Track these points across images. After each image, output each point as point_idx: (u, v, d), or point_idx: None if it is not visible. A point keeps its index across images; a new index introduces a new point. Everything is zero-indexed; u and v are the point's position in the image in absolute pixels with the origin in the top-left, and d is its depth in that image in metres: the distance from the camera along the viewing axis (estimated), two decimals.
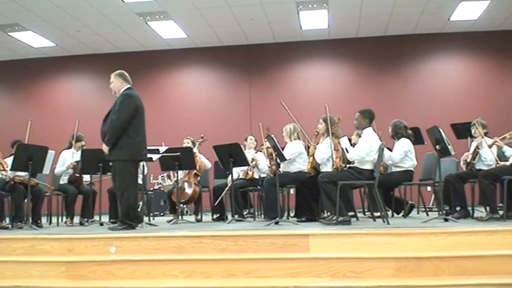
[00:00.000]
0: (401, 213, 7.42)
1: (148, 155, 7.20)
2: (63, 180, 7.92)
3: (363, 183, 6.43)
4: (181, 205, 8.71)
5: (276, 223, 6.26)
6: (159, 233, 5.40)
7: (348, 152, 6.39)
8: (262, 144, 7.65)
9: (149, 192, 9.08)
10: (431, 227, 5.21)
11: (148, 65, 13.09)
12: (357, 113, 6.45)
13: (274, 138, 6.53)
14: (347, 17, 11.23)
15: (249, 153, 7.90)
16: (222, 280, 4.60)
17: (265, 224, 6.29)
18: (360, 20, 11.41)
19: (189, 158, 7.40)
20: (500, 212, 6.16)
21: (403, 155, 7.17)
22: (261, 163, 7.79)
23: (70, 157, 7.87)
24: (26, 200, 7.00)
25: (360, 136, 6.53)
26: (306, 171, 6.99)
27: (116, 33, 11.78)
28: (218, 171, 8.85)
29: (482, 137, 6.54)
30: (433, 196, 9.06)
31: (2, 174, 7.07)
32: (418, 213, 8.11)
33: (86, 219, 7.77)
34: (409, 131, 7.41)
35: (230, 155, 7.10)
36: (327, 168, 6.64)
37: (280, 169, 7.08)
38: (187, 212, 10.30)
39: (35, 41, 12.07)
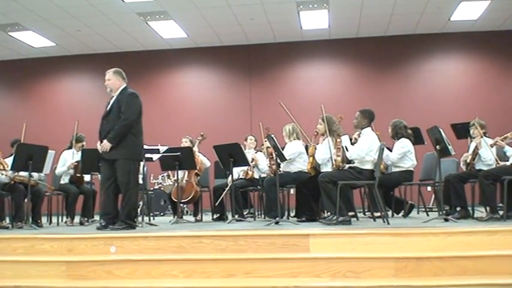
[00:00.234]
0: (402, 213, 7.42)
1: (149, 155, 7.21)
2: (64, 180, 7.93)
3: (363, 183, 6.43)
4: (182, 205, 8.72)
5: (276, 223, 6.26)
6: (159, 233, 5.40)
7: (347, 150, 6.39)
8: (263, 144, 7.65)
9: (149, 192, 9.08)
10: (431, 227, 5.20)
11: (149, 65, 13.09)
12: (357, 113, 6.45)
13: (274, 138, 6.53)
14: (347, 17, 11.23)
15: (249, 153, 7.90)
16: (222, 280, 4.60)
17: (266, 224, 6.29)
18: (360, 20, 11.41)
19: (189, 158, 7.40)
20: (501, 212, 6.16)
21: (402, 155, 7.17)
22: (261, 163, 7.79)
23: (70, 157, 7.88)
24: (26, 200, 7.00)
25: (359, 136, 6.53)
26: (306, 171, 6.99)
27: (116, 33, 11.78)
28: (218, 171, 8.85)
29: (482, 137, 6.54)
30: (433, 196, 9.06)
31: (1, 174, 7.07)
32: (418, 213, 8.11)
33: (86, 219, 7.80)
34: (409, 131, 7.41)
35: (230, 155, 7.10)
36: (327, 168, 6.64)
37: (281, 169, 7.08)
38: (187, 212, 10.30)
39: (35, 40, 12.07)
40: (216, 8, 10.51)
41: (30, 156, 6.74)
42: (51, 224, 8.21)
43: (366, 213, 8.19)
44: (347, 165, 6.43)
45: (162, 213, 10.68)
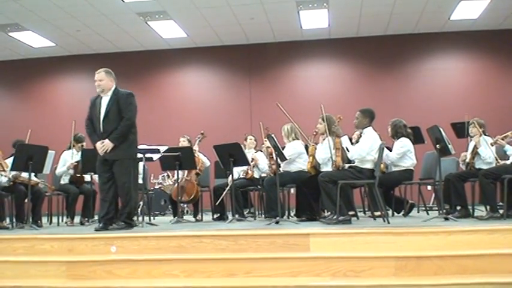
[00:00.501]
0: (402, 213, 7.42)
1: (149, 155, 7.21)
2: (64, 180, 7.93)
3: (363, 182, 6.43)
4: (182, 205, 8.72)
5: (277, 222, 6.26)
6: (159, 233, 5.40)
7: (348, 151, 6.39)
8: (263, 144, 7.65)
9: (149, 192, 9.08)
10: (431, 226, 5.20)
11: (149, 65, 13.10)
12: (357, 112, 6.45)
13: (274, 137, 6.53)
14: (347, 16, 11.23)
15: (249, 153, 7.90)
16: (223, 280, 4.60)
17: (266, 224, 6.29)
18: (360, 20, 11.41)
19: (190, 158, 7.40)
20: (501, 211, 6.16)
21: (401, 155, 7.18)
22: (261, 163, 7.79)
23: (70, 158, 7.88)
24: (26, 200, 7.00)
25: (360, 135, 6.52)
26: (306, 170, 6.99)
27: (116, 32, 11.78)
28: (218, 171, 8.85)
29: (481, 135, 6.54)
30: (433, 195, 9.06)
31: (1, 174, 7.07)
32: (418, 212, 8.11)
33: (86, 219, 7.80)
34: (409, 130, 7.41)
35: (230, 154, 7.10)
36: (327, 167, 6.64)
37: (281, 169, 7.08)
38: (187, 211, 10.30)
39: (34, 40, 12.07)
40: (215, 7, 10.52)
41: (30, 156, 6.74)
42: (51, 224, 8.22)
43: (366, 213, 8.18)
44: (347, 165, 6.43)
45: (162, 213, 10.69)
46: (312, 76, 12.76)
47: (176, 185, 7.63)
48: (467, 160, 6.77)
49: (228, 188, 7.55)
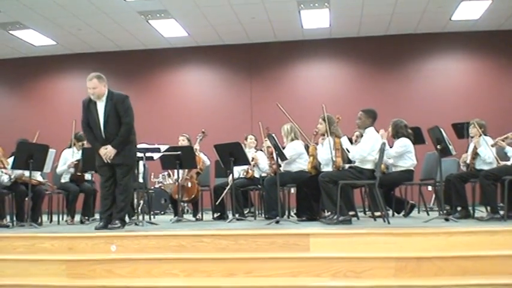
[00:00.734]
0: (402, 213, 7.42)
1: (149, 154, 7.22)
2: (65, 178, 7.93)
3: (363, 182, 6.42)
4: (182, 204, 8.72)
5: (277, 222, 6.25)
6: (159, 232, 5.41)
7: (349, 152, 6.39)
8: (263, 143, 7.66)
9: (150, 191, 9.08)
10: (432, 227, 5.21)
11: (150, 64, 13.10)
12: (360, 112, 6.43)
13: (275, 137, 6.53)
14: (348, 16, 11.22)
15: (249, 153, 7.89)
16: (223, 279, 4.60)
17: (266, 223, 6.29)
18: (361, 19, 11.40)
19: (190, 157, 7.39)
20: (501, 212, 6.15)
21: (400, 154, 7.15)
22: (261, 162, 7.79)
23: (71, 156, 7.88)
24: (26, 199, 7.01)
25: (361, 135, 6.52)
26: (307, 170, 6.99)
27: (117, 31, 11.78)
28: (219, 170, 8.85)
29: (480, 135, 6.53)
30: (433, 196, 9.06)
31: (2, 172, 7.08)
32: (418, 212, 8.10)
33: (86, 218, 7.80)
34: (409, 131, 7.41)
35: (231, 154, 7.10)
36: (327, 167, 6.63)
37: (281, 168, 7.08)
38: (187, 210, 10.30)
39: (36, 39, 12.07)
40: (217, 6, 10.51)
41: (30, 155, 6.74)
42: (51, 222, 8.23)
43: (367, 213, 8.18)
44: (347, 165, 6.43)
45: (162, 212, 10.68)
46: (313, 76, 12.75)
47: (176, 184, 7.63)
48: (467, 161, 6.77)
49: (228, 187, 7.55)
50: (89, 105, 6.15)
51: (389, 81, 12.41)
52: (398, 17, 11.25)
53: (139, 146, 6.63)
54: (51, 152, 7.22)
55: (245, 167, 7.80)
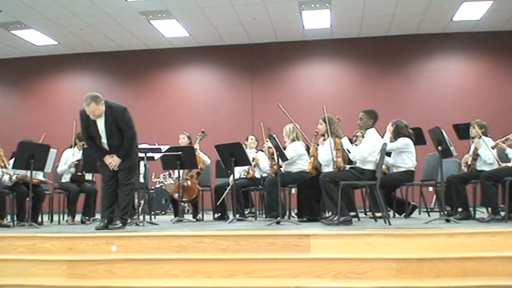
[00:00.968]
0: (403, 214, 7.41)
1: (150, 154, 7.22)
2: (65, 178, 7.93)
3: (364, 183, 6.42)
4: (183, 204, 8.72)
5: (277, 223, 6.25)
6: (160, 232, 5.41)
7: (349, 152, 6.38)
8: (264, 144, 7.65)
9: (150, 191, 9.08)
10: (432, 228, 5.20)
11: (151, 64, 13.10)
12: (361, 113, 6.42)
13: (276, 138, 6.53)
14: (349, 16, 11.22)
15: (250, 153, 7.89)
16: (223, 280, 4.60)
17: (267, 224, 6.28)
18: (362, 20, 11.40)
19: (191, 157, 7.39)
20: (502, 214, 6.14)
21: (399, 150, 7.14)
22: (261, 162, 7.79)
23: (72, 156, 7.88)
24: (27, 199, 7.02)
25: (362, 136, 6.51)
26: (308, 171, 6.99)
27: (119, 31, 11.78)
28: (219, 171, 8.85)
29: (480, 137, 6.53)
30: (434, 197, 9.05)
31: (2, 172, 7.08)
32: (419, 213, 8.09)
33: (87, 218, 7.80)
34: (410, 131, 7.41)
35: (232, 154, 7.09)
36: (328, 168, 6.63)
37: (282, 169, 7.07)
38: (188, 210, 10.30)
39: (37, 39, 12.07)
40: (218, 7, 10.51)
41: (31, 155, 6.74)
42: (52, 222, 8.23)
43: (367, 214, 8.18)
44: (348, 166, 6.42)
45: (163, 212, 10.68)
46: (314, 76, 12.75)
47: (177, 184, 7.62)
48: (468, 162, 6.76)
49: (229, 187, 7.54)
50: (88, 119, 6.08)
51: (390, 81, 12.41)
52: (399, 18, 11.25)
53: (140, 146, 6.64)
54: (52, 151, 7.22)
55: (246, 167, 7.80)
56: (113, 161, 6.09)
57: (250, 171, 7.83)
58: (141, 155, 6.85)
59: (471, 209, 6.64)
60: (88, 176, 8.04)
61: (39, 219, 7.55)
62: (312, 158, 6.90)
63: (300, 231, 5.20)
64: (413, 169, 7.23)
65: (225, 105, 12.81)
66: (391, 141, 7.25)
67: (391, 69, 12.48)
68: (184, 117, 12.51)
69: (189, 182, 7.82)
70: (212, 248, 5.02)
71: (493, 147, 6.38)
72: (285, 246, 4.93)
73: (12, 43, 12.30)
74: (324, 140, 6.75)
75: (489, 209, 6.38)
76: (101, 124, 6.07)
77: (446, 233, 4.90)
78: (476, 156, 6.60)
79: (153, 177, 10.98)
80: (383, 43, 12.38)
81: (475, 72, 12.30)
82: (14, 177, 7.08)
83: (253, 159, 7.72)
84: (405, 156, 7.17)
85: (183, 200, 7.86)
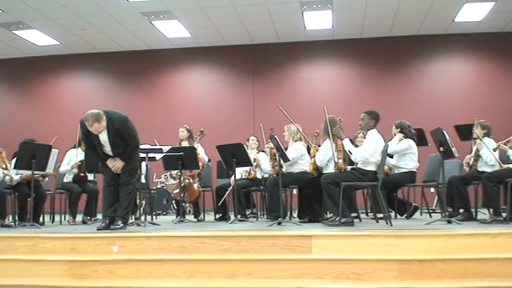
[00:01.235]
0: (405, 215, 7.40)
1: (152, 155, 7.22)
2: (67, 178, 7.93)
3: (366, 184, 6.41)
4: (185, 204, 8.72)
5: (279, 224, 6.25)
6: (161, 233, 5.40)
7: (351, 153, 6.37)
8: (266, 144, 7.65)
9: (152, 192, 9.09)
10: (434, 229, 5.19)
11: (152, 64, 13.12)
12: (362, 114, 6.40)
13: (277, 138, 6.52)
14: (351, 17, 11.22)
15: (251, 154, 7.88)
16: (224, 281, 4.59)
17: (268, 225, 6.28)
18: (364, 21, 11.40)
19: (193, 158, 7.39)
20: (504, 215, 6.13)
21: (403, 151, 7.15)
22: (263, 163, 7.79)
23: (75, 156, 7.89)
24: (29, 199, 7.02)
25: (364, 137, 6.51)
26: (309, 171, 6.99)
27: (120, 32, 11.80)
28: (221, 171, 8.84)
29: (479, 139, 6.53)
30: (436, 198, 9.04)
31: (3, 173, 7.08)
32: (421, 214, 8.10)
33: (89, 218, 7.80)
34: (413, 131, 7.41)
35: (233, 155, 7.09)
36: (329, 169, 6.62)
37: (283, 169, 7.07)
38: (189, 211, 10.30)
39: (39, 39, 12.09)
40: (219, 7, 10.52)
41: (33, 155, 6.75)
42: (53, 222, 8.23)
43: (369, 215, 8.17)
44: (349, 167, 6.42)
45: (164, 213, 10.69)
46: (316, 77, 12.76)
47: (179, 184, 7.62)
48: (470, 163, 6.75)
49: (230, 188, 7.54)
50: (90, 131, 6.02)
51: (392, 82, 12.41)
52: (401, 19, 11.25)
53: (141, 146, 6.64)
54: (54, 152, 7.22)
55: (247, 168, 7.80)
56: (116, 164, 6.11)
57: (252, 171, 7.83)
58: (142, 155, 6.85)
59: (473, 210, 6.63)
60: (90, 177, 8.04)
61: (41, 220, 7.56)
62: (313, 159, 6.89)
63: (301, 232, 5.19)
64: (415, 170, 7.23)
65: (227, 105, 12.82)
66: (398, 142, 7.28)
67: (392, 70, 12.48)
68: (185, 118, 12.42)
69: (190, 183, 7.80)
70: (213, 249, 5.01)
71: (494, 149, 6.37)
72: (286, 247, 4.92)
73: (14, 43, 12.32)
74: (323, 140, 6.74)
75: (491, 210, 6.36)
76: (103, 136, 6.07)
77: (447, 234, 4.89)
78: (477, 157, 6.59)
79: (154, 177, 10.99)
80: (385, 44, 12.38)
81: (476, 73, 12.30)
82: (15, 179, 7.08)
83: (255, 159, 7.71)
84: (408, 157, 7.17)
85: (184, 200, 7.85)
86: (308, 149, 7.21)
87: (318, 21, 11.38)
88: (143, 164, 7.34)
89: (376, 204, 6.88)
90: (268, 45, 12.75)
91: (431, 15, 11.05)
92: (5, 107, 13.46)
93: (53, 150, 7.12)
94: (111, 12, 10.65)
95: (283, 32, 12.11)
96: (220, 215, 7.90)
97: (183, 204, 8.22)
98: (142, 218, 7.10)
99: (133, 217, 7.42)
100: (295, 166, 7.13)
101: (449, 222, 5.98)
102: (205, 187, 8.17)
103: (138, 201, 7.76)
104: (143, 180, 7.85)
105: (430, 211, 8.02)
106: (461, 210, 6.48)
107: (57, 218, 8.39)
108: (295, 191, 7.74)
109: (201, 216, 8.08)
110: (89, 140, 6.18)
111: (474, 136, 6.73)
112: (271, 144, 7.08)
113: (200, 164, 7.66)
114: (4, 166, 7.03)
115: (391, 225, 5.91)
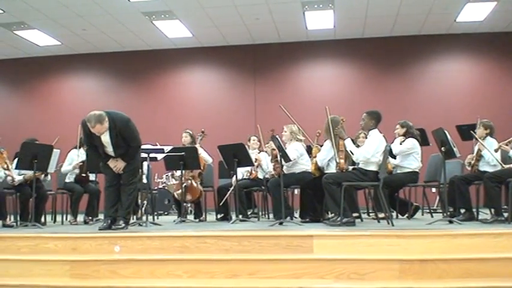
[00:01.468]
0: (406, 215, 7.40)
1: (153, 155, 7.23)
2: (69, 178, 7.94)
3: (367, 184, 6.41)
4: (186, 204, 8.72)
5: (280, 224, 6.25)
6: (163, 233, 5.41)
7: (352, 154, 6.37)
8: (267, 144, 7.65)
9: (153, 192, 9.09)
10: (435, 229, 5.19)
11: (154, 64, 13.12)
12: (363, 114, 6.40)
13: (279, 139, 6.53)
14: (353, 17, 11.22)
15: (252, 154, 7.89)
16: (226, 281, 4.60)
17: (269, 225, 6.29)
18: (365, 21, 11.39)
19: (194, 158, 7.39)
20: (505, 215, 6.13)
21: (406, 152, 7.15)
22: (264, 163, 7.79)
23: (77, 157, 7.90)
24: (31, 199, 7.03)
25: (366, 137, 6.51)
26: (310, 171, 6.99)
27: (122, 32, 11.80)
28: (222, 171, 8.84)
29: (479, 142, 6.54)
30: (437, 198, 9.04)
31: (5, 173, 7.09)
32: (422, 214, 8.10)
33: (90, 218, 7.81)
34: (417, 131, 7.42)
35: (235, 155, 7.09)
36: (331, 169, 6.62)
37: (284, 169, 7.06)
38: (191, 211, 10.30)
39: (40, 39, 12.10)
40: (221, 7, 10.52)
41: (35, 155, 6.76)
42: (55, 222, 8.24)
43: (370, 215, 8.17)
44: (351, 167, 6.42)
45: (166, 213, 10.70)
46: (317, 77, 12.76)
47: (180, 184, 7.62)
48: (472, 162, 6.75)
49: (232, 188, 7.55)
50: (91, 132, 6.01)
51: (393, 82, 12.40)
52: (402, 18, 11.24)
53: (143, 146, 6.64)
54: (56, 152, 7.23)
55: (249, 168, 7.80)
56: (117, 165, 6.12)
57: (253, 171, 7.84)
58: (144, 155, 6.86)
59: (474, 210, 6.63)
60: (91, 177, 8.05)
61: (43, 220, 7.57)
62: (315, 159, 6.89)
63: (302, 232, 5.19)
64: (417, 170, 7.24)
65: (228, 105, 12.82)
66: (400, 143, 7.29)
67: (394, 70, 12.47)
68: (187, 118, 12.50)
69: (191, 183, 7.81)
70: (215, 249, 5.01)
71: (496, 150, 6.37)
72: (287, 246, 4.92)
73: (15, 43, 12.33)
74: (325, 140, 6.75)
75: (492, 210, 6.36)
76: (105, 137, 6.07)
77: (449, 234, 4.89)
78: (479, 157, 6.59)
79: (156, 177, 10.99)
80: (386, 44, 12.38)
81: (478, 73, 12.29)
82: (17, 179, 7.09)
83: (256, 159, 7.71)
84: (412, 157, 7.18)
85: (186, 200, 7.86)
86: (310, 149, 7.21)
87: (320, 21, 11.38)
88: (145, 164, 7.34)
89: (378, 204, 6.88)
90: (269, 45, 12.75)
91: (433, 15, 11.04)
92: (6, 107, 13.47)
93: (54, 150, 7.13)
94: (113, 12, 10.66)
95: (284, 32, 12.11)
96: (222, 215, 7.91)
97: (184, 204, 8.22)
98: (144, 218, 7.11)
99: (134, 217, 7.43)
100: (296, 166, 7.12)
101: (450, 222, 5.98)
102: (206, 187, 8.17)
103: (139, 201, 7.77)
104: (145, 181, 7.86)
105: (432, 211, 8.02)
106: (462, 210, 6.48)
107: (58, 218, 8.40)
108: (296, 191, 7.74)
109: (203, 216, 8.08)
110: (90, 141, 6.18)
111: (478, 135, 6.72)
112: (272, 145, 7.08)
113: (201, 164, 7.67)
114: (6, 166, 7.03)
115: (393, 225, 5.90)
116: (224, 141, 7.44)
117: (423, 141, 7.82)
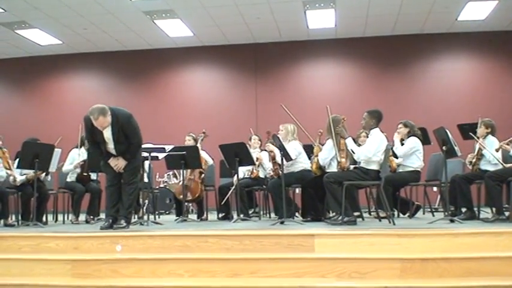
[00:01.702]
0: (407, 214, 7.40)
1: (154, 154, 7.23)
2: (71, 178, 7.95)
3: (368, 183, 6.41)
4: (187, 203, 8.73)
5: (281, 223, 6.25)
6: (164, 232, 5.42)
7: (353, 153, 6.37)
8: (266, 145, 7.66)
9: (155, 191, 9.10)
10: (437, 228, 5.19)
11: (155, 64, 13.12)
12: (364, 113, 6.40)
13: (280, 138, 6.53)
14: (354, 16, 11.21)
15: (254, 153, 7.89)
16: (227, 279, 4.60)
17: (271, 224, 6.29)
18: (367, 20, 11.38)
19: (195, 157, 7.39)
20: (506, 214, 6.13)
21: (409, 151, 7.16)
22: (265, 162, 7.79)
23: (78, 156, 7.90)
24: (32, 199, 7.04)
25: (367, 136, 6.51)
26: (309, 169, 6.99)
27: (123, 31, 11.80)
28: (224, 171, 8.85)
29: (477, 140, 6.53)
30: (439, 197, 9.03)
31: (7, 173, 7.10)
32: (423, 213, 8.09)
33: (92, 217, 7.82)
34: (418, 131, 7.42)
35: (236, 154, 7.10)
36: (332, 168, 6.62)
37: (284, 169, 7.05)
38: (192, 210, 10.31)
39: (41, 38, 12.11)
40: (222, 6, 10.52)
41: (36, 154, 6.76)
42: (56, 222, 8.25)
43: (372, 214, 8.17)
44: (352, 166, 6.42)
45: (167, 212, 10.70)
46: (318, 76, 12.75)
47: (181, 183, 7.63)
48: (472, 161, 6.75)
49: (233, 187, 7.55)
50: (93, 127, 6.02)
51: (394, 81, 12.40)
52: (404, 17, 11.23)
53: (144, 145, 6.65)
54: (57, 151, 7.24)
55: (250, 167, 7.80)
56: (118, 163, 6.12)
57: (254, 170, 7.84)
58: (145, 154, 6.86)
59: (475, 209, 6.62)
60: (93, 176, 8.06)
61: (44, 219, 7.58)
62: (316, 158, 6.89)
63: (304, 231, 5.20)
64: (419, 170, 7.26)
65: (229, 104, 12.82)
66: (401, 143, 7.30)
67: (395, 69, 12.46)
68: (187, 117, 12.53)
69: (192, 182, 7.81)
70: (216, 248, 5.02)
71: (497, 150, 6.36)
72: (289, 246, 4.93)
73: (16, 43, 12.34)
74: (327, 139, 6.75)
75: (493, 209, 6.36)
76: (107, 133, 6.07)
77: (450, 233, 4.89)
78: (480, 156, 6.59)
79: (157, 177, 11.00)
80: (387, 43, 12.37)
81: (479, 72, 12.27)
82: (19, 179, 7.09)
83: (257, 158, 7.72)
84: (414, 156, 7.20)
85: (187, 199, 7.86)
86: (311, 148, 7.21)
87: (321, 20, 11.37)
88: (146, 163, 7.35)
89: (379, 203, 6.88)
90: (270, 44, 12.75)
91: (434, 14, 11.03)
92: (7, 107, 13.48)
93: (55, 149, 7.14)
94: (114, 11, 10.66)
95: (285, 31, 12.11)
96: (223, 214, 7.91)
97: (186, 203, 8.22)
98: (145, 217, 7.11)
99: (136, 216, 7.44)
100: (294, 165, 7.12)
101: (452, 221, 5.98)
102: (208, 186, 8.18)
103: (141, 200, 7.78)
104: (146, 180, 7.87)
105: (433, 210, 8.02)
106: (463, 209, 6.48)
107: (60, 217, 8.42)
108: (297, 190, 7.74)
109: (204, 215, 8.08)
110: (92, 137, 6.18)
111: (479, 134, 6.72)
112: (270, 147, 7.09)
113: (202, 163, 7.67)
114: (7, 166, 7.04)
115: (394, 224, 5.91)
116: (225, 140, 7.45)
117: (424, 140, 7.81)
